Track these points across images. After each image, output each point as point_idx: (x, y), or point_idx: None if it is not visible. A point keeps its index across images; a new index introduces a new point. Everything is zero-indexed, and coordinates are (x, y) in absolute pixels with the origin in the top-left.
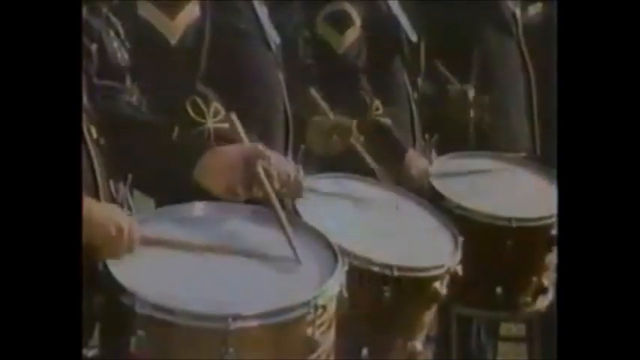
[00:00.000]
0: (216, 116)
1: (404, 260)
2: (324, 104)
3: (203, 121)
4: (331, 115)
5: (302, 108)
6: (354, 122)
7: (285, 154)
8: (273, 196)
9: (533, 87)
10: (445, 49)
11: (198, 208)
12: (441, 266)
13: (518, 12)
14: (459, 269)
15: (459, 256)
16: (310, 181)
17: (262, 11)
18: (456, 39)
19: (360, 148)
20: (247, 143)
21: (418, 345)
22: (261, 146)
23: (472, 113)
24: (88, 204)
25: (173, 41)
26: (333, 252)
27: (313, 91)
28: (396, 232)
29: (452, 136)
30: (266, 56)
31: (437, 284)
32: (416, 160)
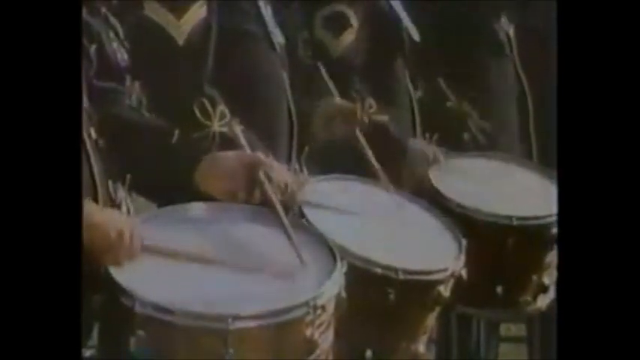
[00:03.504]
0: (222, 119)
1: (408, 263)
2: (330, 83)
3: (209, 123)
4: (336, 97)
5: (307, 97)
6: (359, 105)
7: (289, 154)
8: (276, 201)
9: (528, 95)
10: (441, 54)
11: (198, 208)
12: (446, 270)
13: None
14: (464, 273)
15: (463, 259)
16: (314, 183)
17: (267, 12)
18: (450, 44)
19: (362, 140)
20: (248, 151)
21: (421, 347)
22: (261, 154)
23: (467, 136)
24: (89, 208)
25: (181, 41)
26: (332, 253)
27: (320, 66)
28: (400, 235)
29: (452, 135)
30: (270, 57)
31: (441, 288)
32: (420, 150)
